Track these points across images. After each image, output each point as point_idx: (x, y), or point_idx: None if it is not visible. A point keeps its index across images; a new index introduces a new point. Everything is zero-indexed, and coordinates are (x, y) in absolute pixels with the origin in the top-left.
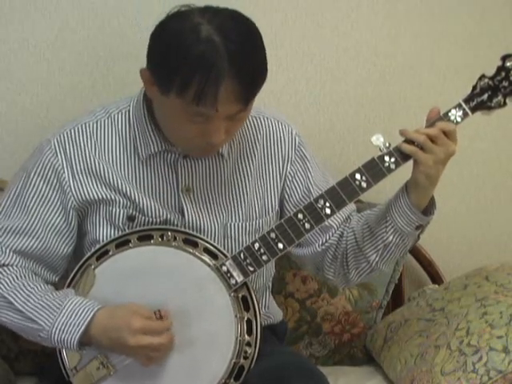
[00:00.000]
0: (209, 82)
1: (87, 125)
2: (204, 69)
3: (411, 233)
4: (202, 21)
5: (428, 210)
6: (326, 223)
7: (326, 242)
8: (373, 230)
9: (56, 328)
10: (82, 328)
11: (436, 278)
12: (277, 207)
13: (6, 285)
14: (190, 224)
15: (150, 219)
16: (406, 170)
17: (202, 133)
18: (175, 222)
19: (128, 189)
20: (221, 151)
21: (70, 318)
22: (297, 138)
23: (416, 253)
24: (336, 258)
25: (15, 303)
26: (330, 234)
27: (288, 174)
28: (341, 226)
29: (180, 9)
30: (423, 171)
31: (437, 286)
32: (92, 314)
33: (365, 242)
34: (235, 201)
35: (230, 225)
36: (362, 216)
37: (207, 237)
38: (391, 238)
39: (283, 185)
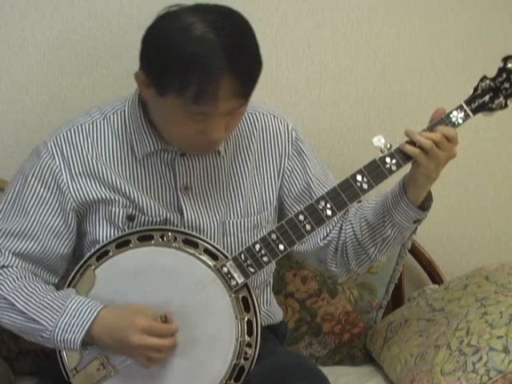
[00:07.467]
0: (208, 81)
1: (83, 126)
2: (202, 67)
3: (409, 227)
4: (195, 19)
5: (425, 204)
6: None
7: (328, 235)
8: (371, 225)
9: (59, 328)
10: (86, 328)
11: (436, 277)
12: (274, 202)
13: (6, 286)
14: (189, 223)
15: (150, 218)
16: (406, 171)
17: (202, 131)
18: (174, 222)
19: (127, 188)
20: (217, 148)
21: (73, 317)
22: (293, 133)
23: (416, 253)
24: (337, 250)
25: (17, 304)
26: (331, 227)
27: (286, 168)
28: (341, 218)
29: (169, 9)
30: (424, 173)
31: (437, 286)
32: (95, 313)
33: (363, 237)
34: (233, 197)
35: (229, 222)
36: (358, 209)
37: (206, 235)
38: (389, 232)
39: (281, 180)
